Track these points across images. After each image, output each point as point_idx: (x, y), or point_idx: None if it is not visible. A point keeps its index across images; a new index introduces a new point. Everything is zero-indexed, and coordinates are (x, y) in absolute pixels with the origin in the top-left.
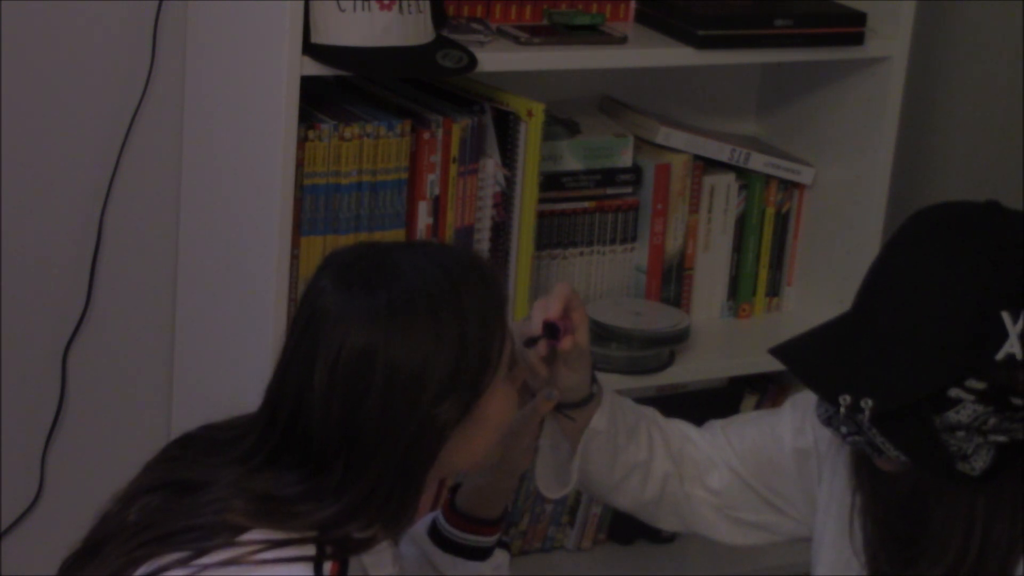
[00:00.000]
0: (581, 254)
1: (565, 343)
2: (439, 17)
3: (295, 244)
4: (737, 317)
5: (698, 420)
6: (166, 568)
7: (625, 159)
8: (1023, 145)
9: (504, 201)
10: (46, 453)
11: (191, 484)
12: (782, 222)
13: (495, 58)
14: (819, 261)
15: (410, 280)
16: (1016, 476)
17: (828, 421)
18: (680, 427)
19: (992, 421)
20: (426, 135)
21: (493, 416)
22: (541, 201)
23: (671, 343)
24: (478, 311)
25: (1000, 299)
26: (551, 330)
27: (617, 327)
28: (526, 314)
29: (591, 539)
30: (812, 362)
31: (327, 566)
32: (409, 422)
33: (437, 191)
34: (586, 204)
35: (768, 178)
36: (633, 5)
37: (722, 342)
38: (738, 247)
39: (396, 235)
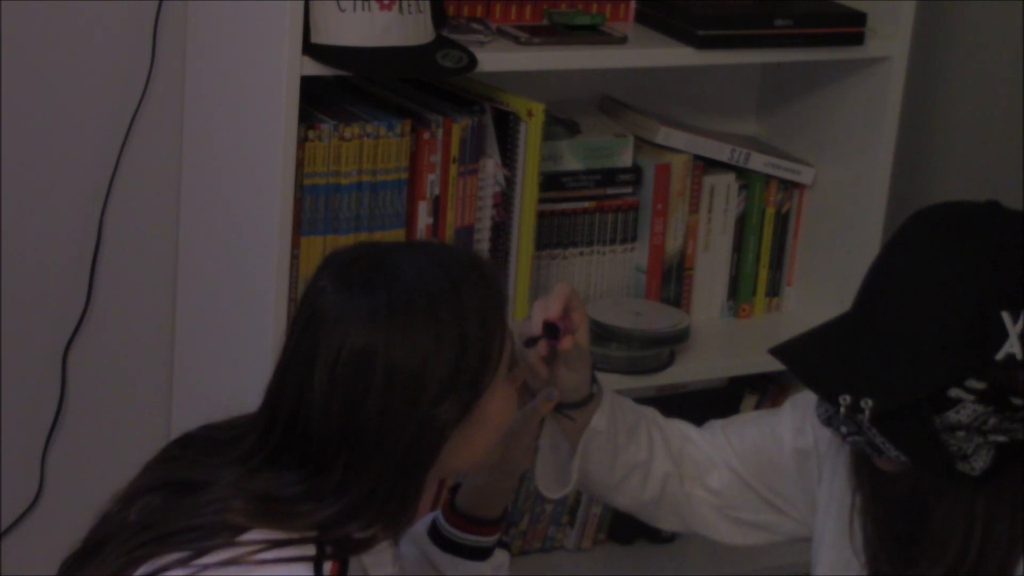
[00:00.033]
0: (581, 254)
1: (565, 343)
2: (439, 17)
3: (295, 244)
4: (737, 317)
5: (698, 420)
6: (166, 568)
7: (625, 159)
8: (1023, 145)
9: (504, 201)
10: (46, 453)
11: (191, 484)
12: (782, 222)
13: (495, 58)
14: (819, 261)
15: (410, 280)
16: (1016, 476)
17: (828, 421)
18: (680, 427)
19: (992, 421)
20: (426, 135)
21: (493, 416)
22: (541, 201)
23: (671, 343)
24: (478, 311)
25: (1000, 299)
26: (551, 330)
27: (617, 327)
28: (526, 314)
29: (591, 539)
30: (812, 362)
31: (327, 566)
32: (409, 422)
33: (437, 191)
34: (586, 204)
35: (768, 178)
36: (633, 5)
37: (722, 342)
38: (738, 247)
39: (396, 235)
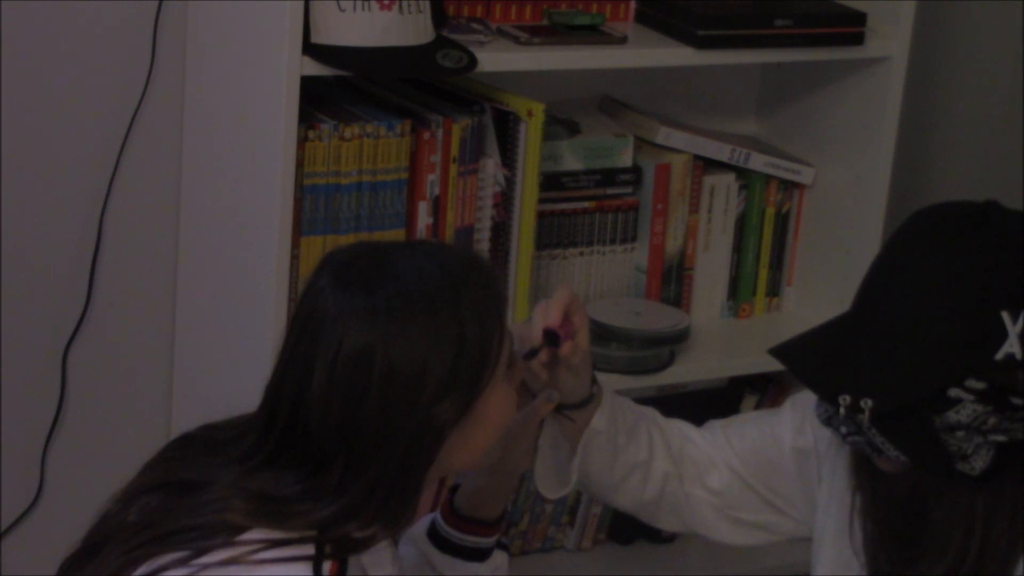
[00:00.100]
0: (581, 254)
1: (565, 349)
2: (439, 17)
3: (295, 244)
4: (737, 317)
5: (698, 420)
6: (166, 568)
7: (625, 159)
8: (1023, 145)
9: (504, 201)
10: (46, 453)
11: (190, 484)
12: (782, 222)
13: (495, 58)
14: (819, 261)
15: (408, 280)
16: (1016, 476)
17: (828, 421)
18: (680, 427)
19: (992, 421)
20: (426, 135)
21: (492, 415)
22: (541, 201)
23: (671, 343)
24: (477, 311)
25: (1000, 299)
26: (551, 337)
27: (617, 327)
28: (526, 314)
29: (591, 539)
30: (812, 362)
31: (326, 565)
32: (408, 422)
33: (437, 191)
34: (586, 204)
35: (768, 178)
36: (633, 5)
37: (722, 342)
38: (738, 247)
39: (396, 235)
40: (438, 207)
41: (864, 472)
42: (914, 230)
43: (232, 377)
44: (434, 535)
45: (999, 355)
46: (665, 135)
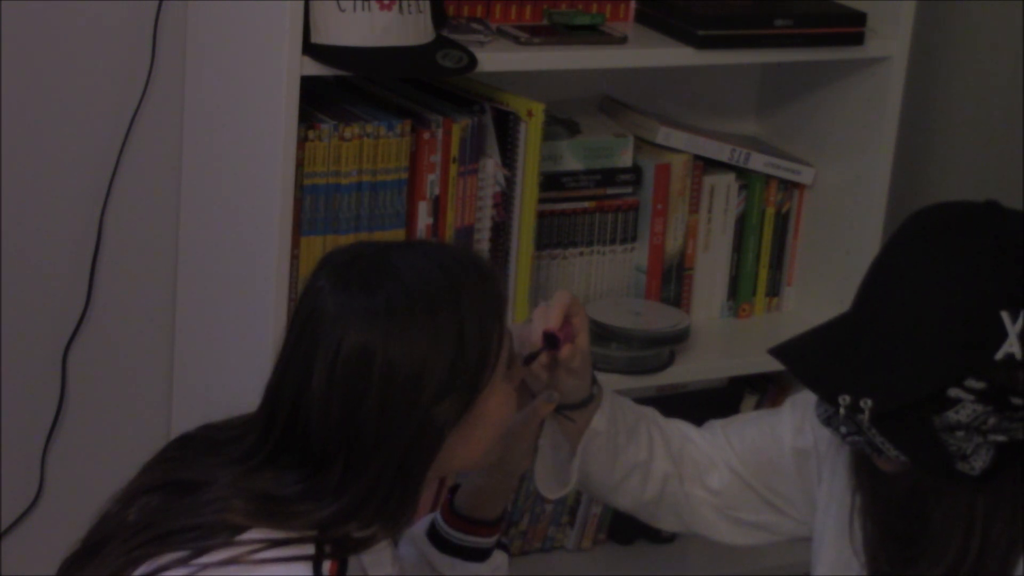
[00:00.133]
0: (581, 254)
1: (564, 352)
2: (439, 17)
3: (295, 244)
4: (737, 317)
5: (698, 420)
6: (166, 568)
7: (625, 159)
8: (1023, 145)
9: (504, 201)
10: (46, 453)
11: (190, 484)
12: (782, 222)
13: (495, 58)
14: (819, 261)
15: (408, 280)
16: (1016, 476)
17: (828, 421)
18: (680, 427)
19: (992, 421)
20: (426, 135)
21: (492, 415)
22: (541, 201)
23: (671, 343)
24: (476, 310)
25: (999, 299)
26: (551, 341)
27: (617, 327)
28: (526, 314)
29: (591, 539)
30: (811, 362)
31: (326, 565)
32: (408, 421)
33: (437, 191)
34: (586, 204)
35: (768, 178)
36: (633, 5)
37: (722, 342)
38: (738, 247)
39: (396, 235)
40: (438, 207)
41: (864, 472)
42: (914, 230)
43: (232, 377)
44: (434, 535)
45: (999, 355)
46: (665, 135)
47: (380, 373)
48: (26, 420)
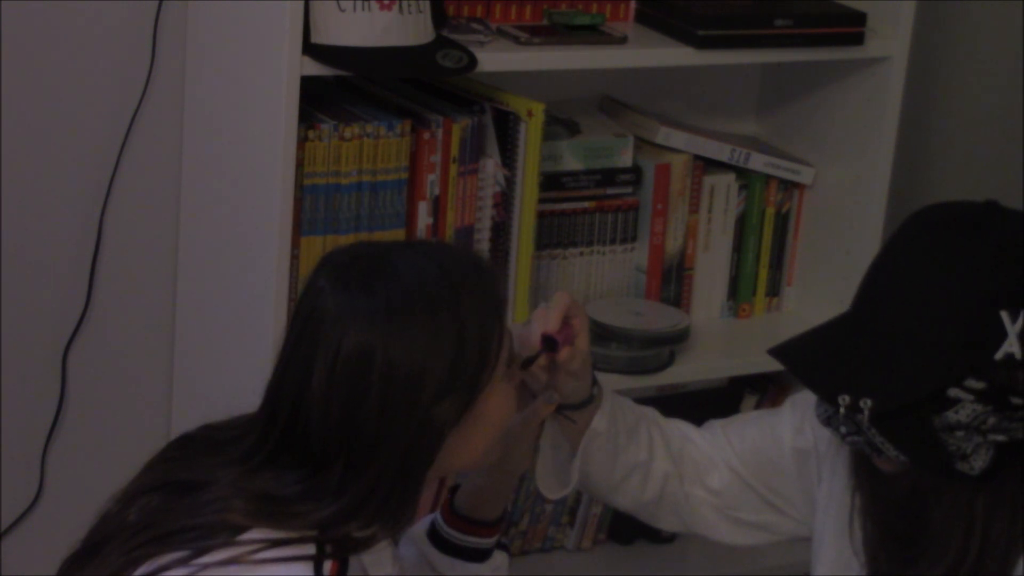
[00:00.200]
0: (581, 254)
1: (563, 354)
2: (439, 17)
3: (295, 244)
4: (737, 317)
5: (698, 420)
6: (166, 568)
7: (625, 159)
8: (1023, 145)
9: (504, 201)
10: (46, 453)
11: (191, 484)
12: (782, 222)
13: (495, 58)
14: (819, 261)
15: (408, 280)
16: (1016, 476)
17: (827, 421)
18: (680, 427)
19: (991, 421)
20: (426, 135)
21: (492, 415)
22: (541, 201)
23: (671, 343)
24: (476, 310)
25: (999, 299)
26: (549, 343)
27: (617, 327)
28: (526, 314)
29: (591, 539)
30: (811, 362)
31: (327, 565)
32: (408, 421)
33: (437, 191)
34: (586, 204)
35: (768, 178)
36: (633, 5)
37: (722, 342)
38: (738, 247)
39: (396, 235)
40: (438, 207)
41: (864, 472)
42: (914, 230)
43: (232, 377)
44: (434, 535)
45: (999, 355)
46: (665, 135)
47: (380, 373)
48: (26, 420)
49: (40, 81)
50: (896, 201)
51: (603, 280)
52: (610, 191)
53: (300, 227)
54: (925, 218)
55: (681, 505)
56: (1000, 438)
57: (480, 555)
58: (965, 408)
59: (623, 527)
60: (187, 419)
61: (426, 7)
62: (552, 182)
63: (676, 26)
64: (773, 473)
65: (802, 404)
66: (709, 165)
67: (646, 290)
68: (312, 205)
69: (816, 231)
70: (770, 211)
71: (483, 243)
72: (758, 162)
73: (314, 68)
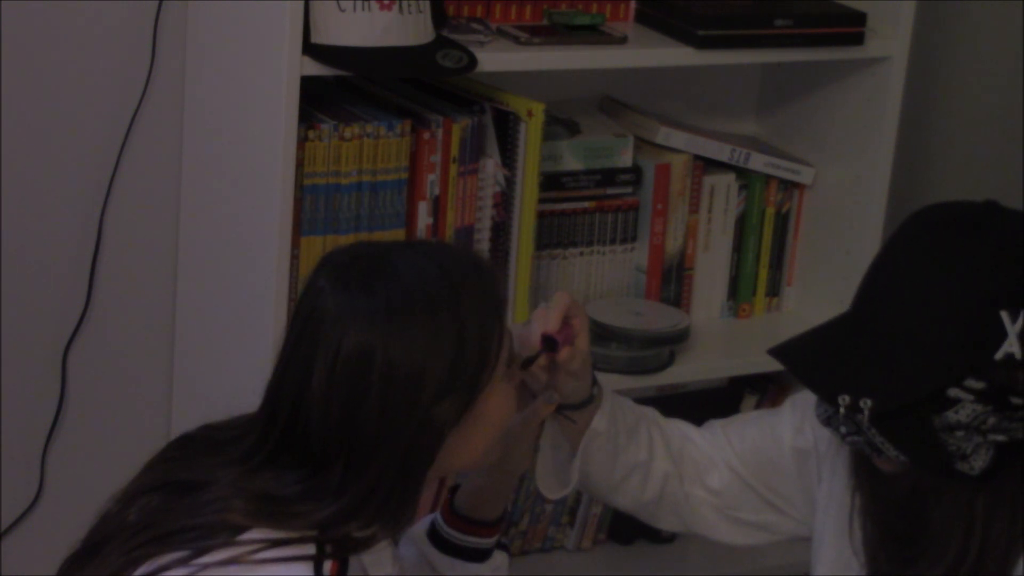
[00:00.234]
0: (581, 254)
1: (562, 355)
2: (439, 17)
3: (295, 244)
4: (737, 317)
5: (698, 420)
6: (166, 568)
7: (625, 159)
8: (1023, 145)
9: (504, 201)
10: (46, 453)
11: (191, 484)
12: (782, 222)
13: (495, 58)
14: (819, 261)
15: (408, 280)
16: (1016, 476)
17: (827, 421)
18: (680, 427)
19: (991, 420)
20: (426, 135)
21: (492, 415)
22: (541, 201)
23: (671, 343)
24: (476, 310)
25: (999, 299)
26: (549, 343)
27: (617, 327)
28: (526, 314)
29: (591, 539)
30: (811, 362)
31: (327, 565)
32: (408, 421)
33: (437, 191)
34: (586, 204)
35: (768, 178)
36: (633, 5)
37: (722, 342)
38: (738, 247)
39: (396, 235)
40: (438, 207)
41: (864, 472)
42: (914, 230)
43: (232, 377)
44: (434, 535)
45: (998, 355)
46: (665, 135)
47: (380, 373)
48: (26, 420)
49: (40, 81)
50: (896, 201)
51: (603, 280)
52: (610, 191)
53: (300, 227)
54: (925, 218)
55: (681, 505)
56: (1000, 438)
57: (480, 555)
58: (965, 408)
59: (623, 527)
60: (187, 419)
61: (426, 7)
62: (552, 182)
63: (676, 26)
64: (773, 473)
65: (802, 404)
66: (709, 165)
67: (646, 290)
68: (312, 205)
69: (816, 231)
70: (770, 211)
71: (483, 243)
72: (758, 162)
73: (314, 68)
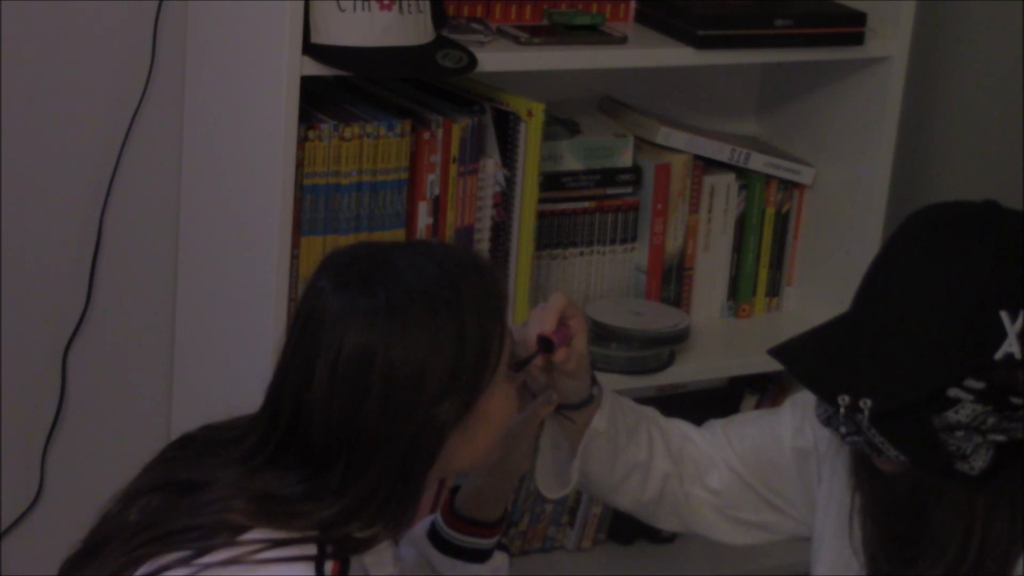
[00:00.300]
0: (581, 254)
1: (558, 355)
2: (439, 17)
3: (295, 244)
4: (737, 317)
5: (698, 420)
6: (167, 567)
7: (625, 159)
8: (1023, 145)
9: (504, 201)
10: (46, 453)
11: (192, 484)
12: (782, 222)
13: (495, 58)
14: (819, 261)
15: (408, 280)
16: (1015, 475)
17: (827, 421)
18: (680, 427)
19: (991, 420)
20: (426, 135)
21: (493, 415)
22: (541, 201)
23: (671, 343)
24: (477, 310)
25: (999, 299)
26: (545, 344)
27: (617, 327)
28: (526, 315)
29: (591, 539)
30: (811, 362)
31: (328, 565)
32: (409, 422)
33: (437, 191)
34: (586, 204)
35: (768, 178)
36: (633, 5)
37: (722, 342)
38: (738, 247)
39: (396, 235)
40: (438, 207)
41: (864, 472)
42: (914, 230)
43: (232, 377)
44: (434, 536)
45: (998, 355)
46: (665, 135)
47: (381, 373)
48: (26, 420)
49: (40, 81)
50: (896, 201)
51: (603, 280)
52: (610, 191)
53: (300, 227)
54: (925, 218)
55: (681, 505)
56: (1000, 438)
57: (480, 556)
58: (965, 408)
59: (623, 527)
60: (187, 419)
61: (426, 7)
62: (552, 182)
63: (676, 26)
64: (773, 473)
65: (802, 404)
66: (709, 165)
67: (646, 290)
68: (312, 205)
69: (816, 231)
70: (770, 211)
71: (483, 243)
72: (758, 162)
73: (314, 68)
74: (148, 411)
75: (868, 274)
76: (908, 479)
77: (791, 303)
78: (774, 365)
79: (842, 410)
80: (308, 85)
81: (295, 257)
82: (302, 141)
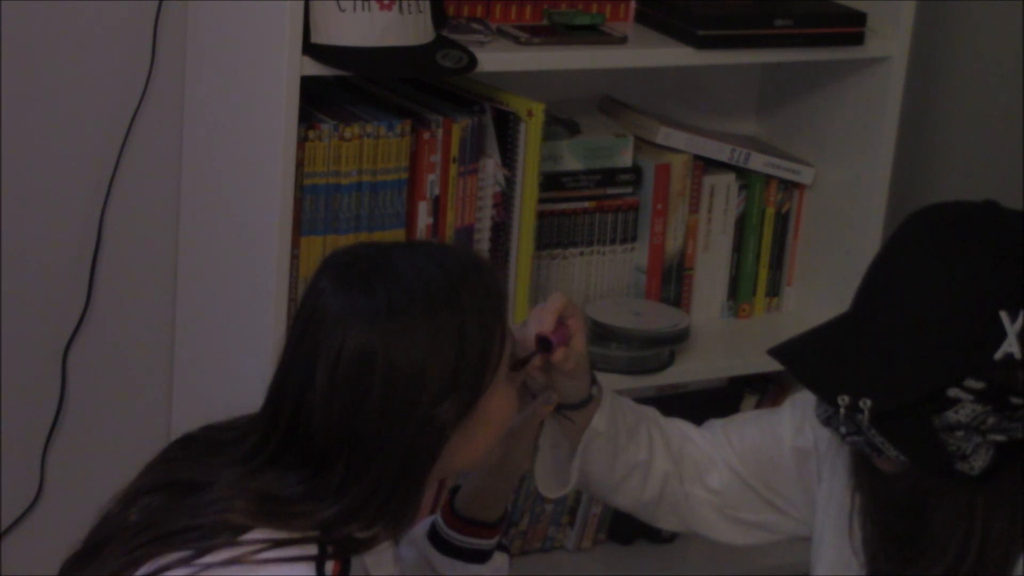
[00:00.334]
0: (581, 254)
1: (557, 355)
2: (439, 17)
3: (295, 244)
4: (737, 317)
5: (698, 420)
6: (168, 568)
7: (625, 159)
8: (1023, 145)
9: (504, 201)
10: (46, 453)
11: (192, 484)
12: (782, 222)
13: (495, 58)
14: (819, 261)
15: (409, 280)
16: (1015, 475)
17: (827, 421)
18: (680, 427)
19: (991, 420)
20: (426, 135)
21: (494, 415)
22: (541, 201)
23: (671, 343)
24: (477, 311)
25: (998, 299)
26: (544, 344)
27: (617, 327)
28: (526, 315)
29: (591, 539)
30: (811, 362)
31: (329, 565)
32: (409, 422)
33: (437, 191)
34: (586, 204)
35: (768, 178)
36: (633, 5)
37: (722, 342)
38: (738, 247)
39: (396, 235)
40: (438, 207)
41: (864, 472)
42: (913, 230)
43: (232, 377)
44: (434, 537)
45: (998, 355)
46: (665, 135)
47: (382, 374)
48: (26, 420)
49: (40, 81)
50: (896, 201)
51: (603, 280)
52: (610, 191)
53: (300, 227)
54: (925, 218)
55: (681, 505)
56: (1000, 438)
57: (480, 556)
58: (965, 408)
59: (623, 527)
60: (187, 419)
61: (426, 7)
62: (552, 182)
63: (676, 26)
64: (773, 473)
65: (802, 404)
66: (709, 165)
67: (646, 290)
68: (312, 205)
69: (816, 231)
70: (770, 211)
71: (483, 243)
72: (758, 162)
73: (314, 68)
74: (148, 411)
75: (868, 274)
76: (908, 479)
77: (791, 303)
78: (774, 365)
79: (842, 410)
80: (308, 85)
81: (295, 257)
82: (302, 141)
